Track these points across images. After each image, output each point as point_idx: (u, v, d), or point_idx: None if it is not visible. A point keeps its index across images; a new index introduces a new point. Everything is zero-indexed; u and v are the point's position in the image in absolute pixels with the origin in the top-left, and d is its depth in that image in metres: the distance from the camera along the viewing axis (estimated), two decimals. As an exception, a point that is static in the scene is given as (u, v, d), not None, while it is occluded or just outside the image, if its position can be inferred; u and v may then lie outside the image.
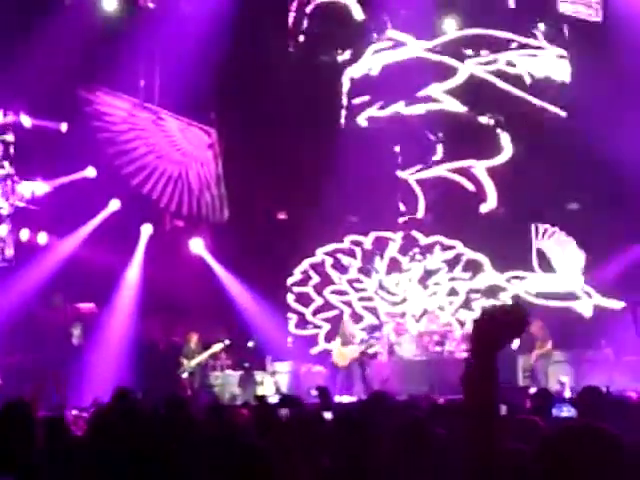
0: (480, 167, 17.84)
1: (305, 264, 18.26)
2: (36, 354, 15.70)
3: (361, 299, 18.08)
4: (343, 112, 18.44)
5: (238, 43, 17.21)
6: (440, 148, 18.09)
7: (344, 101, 18.43)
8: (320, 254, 18.29)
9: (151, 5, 17.50)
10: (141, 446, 5.92)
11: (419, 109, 17.99)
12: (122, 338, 16.41)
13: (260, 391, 15.46)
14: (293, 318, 18.17)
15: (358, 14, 18.19)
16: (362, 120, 18.32)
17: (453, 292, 17.75)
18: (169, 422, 7.54)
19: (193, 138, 18.42)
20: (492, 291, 17.42)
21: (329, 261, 18.30)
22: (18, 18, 15.90)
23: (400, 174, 18.16)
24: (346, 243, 18.26)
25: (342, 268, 18.29)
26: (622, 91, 15.86)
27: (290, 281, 18.27)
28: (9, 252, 16.45)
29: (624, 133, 15.33)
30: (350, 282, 18.18)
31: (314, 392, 11.04)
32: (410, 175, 18.17)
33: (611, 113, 15.54)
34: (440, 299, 17.64)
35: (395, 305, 17.79)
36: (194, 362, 16.30)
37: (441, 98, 17.83)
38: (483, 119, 17.73)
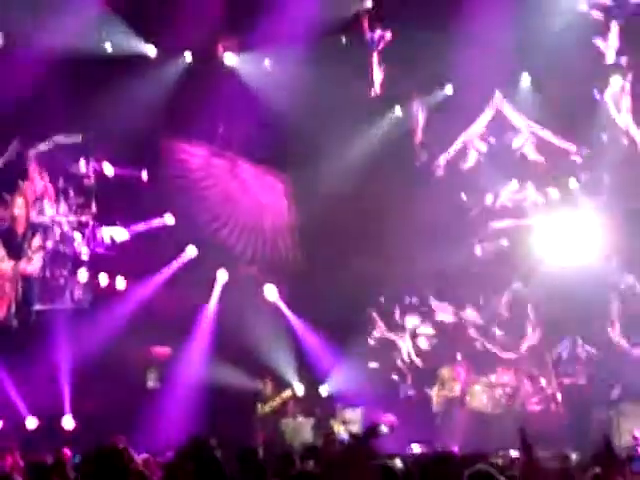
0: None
1: (375, 313, 18.38)
2: (112, 398, 15.98)
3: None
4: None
5: (316, 92, 17.47)
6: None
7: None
8: (385, 302, 18.42)
9: (230, 57, 17.89)
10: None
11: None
12: (196, 382, 16.62)
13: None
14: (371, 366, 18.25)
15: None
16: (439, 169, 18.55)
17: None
18: (242, 472, 7.68)
19: (268, 186, 18.70)
20: None
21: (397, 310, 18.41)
22: (101, 70, 16.42)
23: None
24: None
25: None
26: None
27: (364, 329, 18.37)
28: (85, 296, 16.87)
29: None
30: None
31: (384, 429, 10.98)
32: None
33: None
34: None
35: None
36: (268, 408, 16.46)
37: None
38: None
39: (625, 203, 16.92)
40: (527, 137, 17.96)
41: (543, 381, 16.52)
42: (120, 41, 16.77)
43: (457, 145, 18.52)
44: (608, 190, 17.39)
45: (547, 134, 17.88)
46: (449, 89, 18.38)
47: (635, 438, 14.70)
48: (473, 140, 18.42)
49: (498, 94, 18.15)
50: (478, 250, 18.22)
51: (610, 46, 17.17)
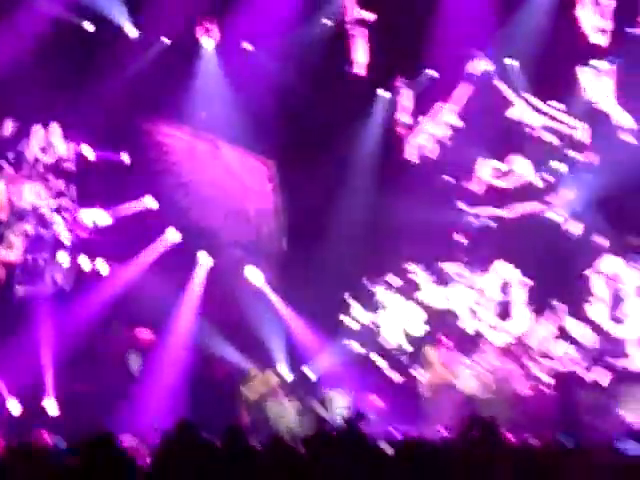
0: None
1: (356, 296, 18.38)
2: (95, 381, 15.91)
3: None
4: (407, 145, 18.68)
5: (300, 75, 17.42)
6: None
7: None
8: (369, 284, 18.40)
9: (209, 40, 17.74)
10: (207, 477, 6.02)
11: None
12: (180, 366, 16.56)
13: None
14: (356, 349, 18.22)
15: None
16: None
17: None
18: (228, 453, 7.63)
19: (252, 170, 18.61)
20: None
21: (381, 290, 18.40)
22: (81, 52, 16.29)
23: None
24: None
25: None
26: None
27: (349, 312, 18.35)
28: (67, 279, 16.79)
29: None
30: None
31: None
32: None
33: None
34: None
35: None
36: (251, 392, 16.43)
37: None
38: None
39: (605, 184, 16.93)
40: (524, 109, 17.87)
41: (532, 364, 16.50)
42: (102, 19, 16.57)
43: (435, 124, 18.52)
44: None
45: (545, 106, 17.78)
46: (432, 72, 18.36)
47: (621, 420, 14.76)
48: (452, 118, 18.40)
49: (484, 63, 18.02)
50: (462, 233, 18.25)
51: (594, 25, 17.16)
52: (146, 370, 16.96)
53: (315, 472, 7.32)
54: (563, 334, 16.86)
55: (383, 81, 18.65)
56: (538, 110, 17.77)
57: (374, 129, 18.80)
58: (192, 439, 7.59)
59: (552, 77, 17.26)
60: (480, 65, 18.07)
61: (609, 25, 16.95)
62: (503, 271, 17.59)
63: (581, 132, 17.46)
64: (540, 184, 17.81)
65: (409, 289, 18.23)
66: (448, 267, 18.02)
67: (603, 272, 16.85)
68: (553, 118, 17.69)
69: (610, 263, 16.81)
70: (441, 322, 17.78)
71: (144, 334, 17.26)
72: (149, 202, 17.46)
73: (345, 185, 18.06)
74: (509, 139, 17.96)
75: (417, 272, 18.18)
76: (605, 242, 16.98)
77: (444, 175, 18.26)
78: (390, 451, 7.83)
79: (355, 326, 18.23)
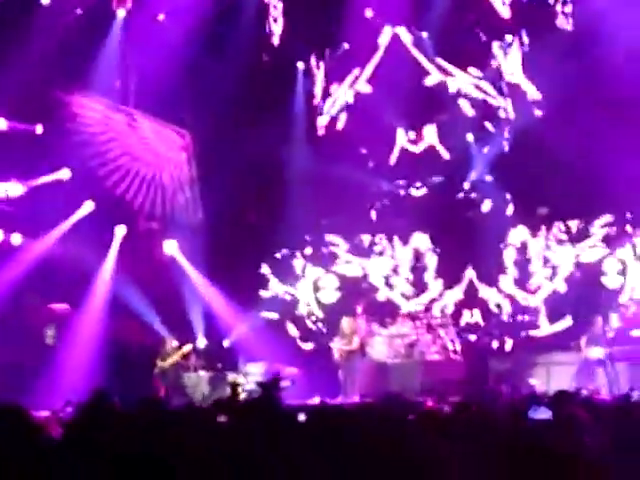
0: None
1: (272, 267, 18.45)
2: (9, 355, 15.74)
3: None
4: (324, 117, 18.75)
5: (212, 46, 17.38)
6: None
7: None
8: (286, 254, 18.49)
9: (124, 11, 17.58)
10: (122, 448, 6.02)
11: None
12: (96, 339, 16.46)
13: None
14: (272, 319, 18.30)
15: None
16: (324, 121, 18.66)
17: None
18: (143, 423, 7.65)
19: (167, 140, 18.52)
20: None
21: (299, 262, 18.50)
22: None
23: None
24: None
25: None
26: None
27: (265, 282, 18.44)
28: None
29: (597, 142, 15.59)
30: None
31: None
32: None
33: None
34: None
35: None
36: (167, 363, 16.44)
37: None
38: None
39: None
40: (440, 78, 18.00)
41: (442, 331, 16.81)
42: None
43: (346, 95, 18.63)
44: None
45: (461, 73, 17.91)
46: (347, 45, 18.48)
47: (530, 387, 15.10)
48: (367, 88, 18.50)
49: (403, 32, 18.12)
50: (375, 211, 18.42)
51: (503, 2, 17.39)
52: (62, 343, 16.86)
53: (230, 438, 7.38)
54: (473, 302, 17.21)
55: (301, 54, 18.73)
56: (453, 76, 17.97)
57: (293, 101, 18.89)
58: (106, 409, 7.58)
59: (466, 51, 17.50)
60: (396, 36, 18.23)
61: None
62: (417, 242, 17.85)
63: (495, 104, 17.75)
64: (447, 156, 18.09)
65: (328, 260, 18.40)
66: (365, 238, 18.22)
67: (514, 244, 17.21)
68: (473, 86, 17.92)
69: (520, 234, 17.17)
70: (357, 292, 18.00)
71: (60, 307, 17.14)
72: (63, 173, 17.27)
73: (265, 156, 18.07)
74: (424, 108, 18.15)
75: (338, 243, 18.34)
76: (515, 213, 17.36)
77: (361, 146, 18.44)
78: (302, 417, 7.93)
79: (272, 298, 18.36)
